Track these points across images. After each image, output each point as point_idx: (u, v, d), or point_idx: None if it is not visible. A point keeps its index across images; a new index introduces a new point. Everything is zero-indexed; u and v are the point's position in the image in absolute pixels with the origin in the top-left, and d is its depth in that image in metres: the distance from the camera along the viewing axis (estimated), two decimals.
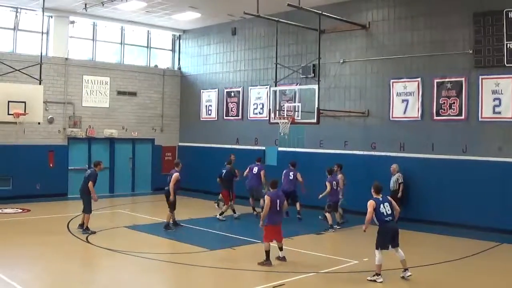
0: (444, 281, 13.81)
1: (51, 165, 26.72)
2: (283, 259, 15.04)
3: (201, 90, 30.64)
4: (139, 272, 14.04)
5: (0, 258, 14.90)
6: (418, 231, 19.84)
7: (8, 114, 20.70)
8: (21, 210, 22.81)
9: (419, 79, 21.72)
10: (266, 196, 14.97)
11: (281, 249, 15.13)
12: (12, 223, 20.56)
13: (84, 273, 14.10)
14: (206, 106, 30.39)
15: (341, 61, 24.14)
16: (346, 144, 23.77)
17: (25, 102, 20.84)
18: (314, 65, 23.96)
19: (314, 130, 23.76)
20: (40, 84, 21.74)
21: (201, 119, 30.62)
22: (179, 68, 32.24)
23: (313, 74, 24.34)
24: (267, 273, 14.07)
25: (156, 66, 31.58)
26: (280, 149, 25.95)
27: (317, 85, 21.30)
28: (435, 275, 14.20)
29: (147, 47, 31.51)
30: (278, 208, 14.90)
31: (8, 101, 20.55)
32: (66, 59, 27.41)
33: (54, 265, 14.50)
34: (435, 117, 21.29)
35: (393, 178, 21.37)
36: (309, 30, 23.85)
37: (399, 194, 21.19)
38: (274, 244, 15.01)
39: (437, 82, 21.20)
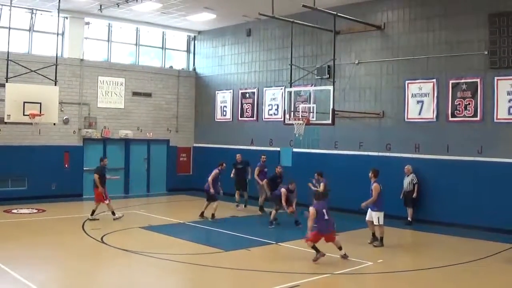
0: (458, 282, 13.77)
1: (66, 165, 26.84)
2: (344, 256, 15.46)
3: (216, 91, 30.67)
4: (155, 272, 14.06)
5: (16, 258, 14.97)
6: (433, 232, 19.80)
7: (24, 115, 20.84)
8: (36, 210, 22.93)
9: (434, 80, 21.65)
10: (311, 207, 15.55)
11: (340, 248, 15.52)
12: (27, 223, 20.69)
13: (100, 273, 14.14)
14: (221, 107, 30.41)
15: (356, 62, 24.10)
16: (361, 145, 23.73)
17: (40, 103, 20.97)
18: (329, 66, 23.93)
19: (329, 131, 23.74)
20: (55, 85, 21.85)
21: (216, 120, 30.64)
22: (194, 69, 32.28)
23: (328, 75, 24.28)
24: (282, 274, 14.07)
25: (171, 67, 31.66)
26: (295, 150, 25.93)
27: (332, 86, 21.23)
28: (449, 277, 14.15)
29: (162, 48, 31.58)
30: (326, 217, 15.39)
31: (24, 102, 20.69)
32: (81, 60, 27.55)
33: (70, 266, 14.56)
34: (450, 118, 21.20)
35: (408, 179, 21.33)
36: (324, 31, 23.83)
37: (414, 195, 21.15)
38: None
39: (452, 83, 21.12)
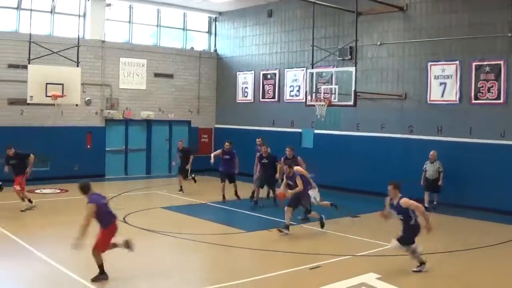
0: (477, 265, 13.74)
1: (88, 146, 26.99)
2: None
3: (237, 72, 30.67)
4: (176, 252, 14.16)
5: (39, 237, 15.16)
6: (454, 215, 19.69)
7: (46, 96, 21.02)
8: (59, 191, 23.13)
9: (457, 62, 21.47)
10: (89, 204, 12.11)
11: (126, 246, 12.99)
12: (50, 203, 20.91)
13: (121, 252, 14.22)
14: (242, 88, 30.41)
15: (378, 43, 23.95)
16: (383, 127, 23.63)
17: (62, 84, 21.16)
18: (351, 47, 23.79)
19: (351, 112, 23.67)
20: (77, 66, 21.97)
21: (237, 101, 30.65)
22: (215, 50, 32.26)
23: (350, 57, 24.12)
24: (303, 255, 14.11)
25: (192, 48, 31.65)
26: (316, 131, 25.90)
27: (354, 68, 21.16)
28: (467, 260, 14.12)
29: (183, 29, 31.57)
30: (109, 209, 12.65)
31: (46, 83, 20.90)
32: (103, 41, 27.58)
33: (91, 245, 14.66)
34: (473, 101, 21.02)
35: (433, 167, 20.75)
36: (346, 12, 23.73)
37: (440, 182, 20.80)
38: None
39: (475, 65, 20.93)
